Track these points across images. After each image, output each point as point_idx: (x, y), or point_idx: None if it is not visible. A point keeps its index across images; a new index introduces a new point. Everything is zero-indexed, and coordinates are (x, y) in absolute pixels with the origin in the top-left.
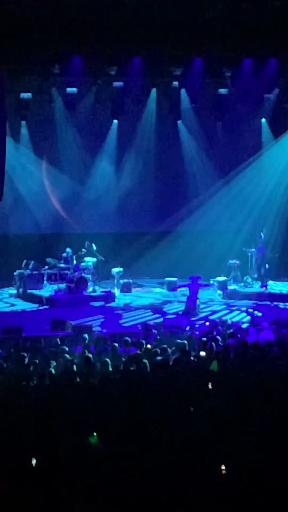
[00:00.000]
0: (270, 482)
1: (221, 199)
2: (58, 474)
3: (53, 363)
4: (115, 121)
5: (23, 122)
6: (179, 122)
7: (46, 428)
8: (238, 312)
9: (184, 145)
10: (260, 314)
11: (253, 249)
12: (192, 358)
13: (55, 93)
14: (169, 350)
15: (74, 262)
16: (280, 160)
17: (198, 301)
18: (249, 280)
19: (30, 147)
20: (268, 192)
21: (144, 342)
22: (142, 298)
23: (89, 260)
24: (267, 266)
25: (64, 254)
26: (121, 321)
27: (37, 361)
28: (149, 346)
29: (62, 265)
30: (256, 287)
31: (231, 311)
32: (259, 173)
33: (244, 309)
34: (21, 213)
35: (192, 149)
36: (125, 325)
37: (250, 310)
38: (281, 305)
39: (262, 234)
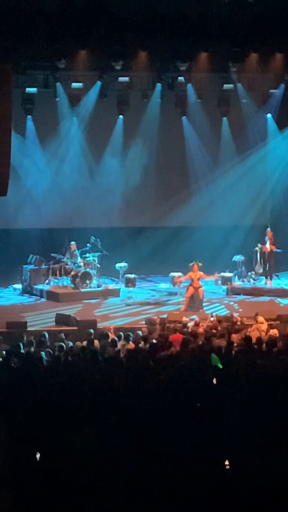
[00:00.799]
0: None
1: (225, 194)
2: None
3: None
4: (121, 116)
5: (29, 117)
6: (183, 118)
7: (51, 424)
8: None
9: (188, 141)
10: None
11: (259, 245)
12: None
13: (61, 88)
14: None
15: (79, 257)
16: (284, 154)
17: None
18: (254, 276)
19: (36, 141)
20: (274, 187)
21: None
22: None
23: (94, 255)
24: (273, 262)
25: (69, 249)
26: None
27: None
28: (154, 340)
29: (67, 260)
30: (261, 283)
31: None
32: (265, 168)
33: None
34: (27, 208)
35: (196, 145)
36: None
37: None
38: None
39: (269, 231)
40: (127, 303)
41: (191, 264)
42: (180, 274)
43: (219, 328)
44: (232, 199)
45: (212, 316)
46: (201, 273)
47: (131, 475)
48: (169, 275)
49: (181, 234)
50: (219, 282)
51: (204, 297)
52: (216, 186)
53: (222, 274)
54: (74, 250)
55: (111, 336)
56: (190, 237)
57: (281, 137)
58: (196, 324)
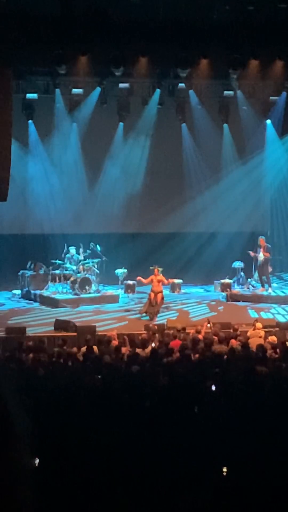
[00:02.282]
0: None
1: (224, 201)
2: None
3: None
4: (121, 123)
5: (30, 121)
6: (183, 125)
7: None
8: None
9: (186, 149)
10: None
11: (251, 253)
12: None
13: (61, 94)
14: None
15: (80, 262)
16: (283, 161)
17: None
18: (253, 282)
19: (36, 147)
20: (274, 193)
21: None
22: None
23: (93, 261)
24: (270, 270)
25: (68, 255)
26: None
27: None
28: (153, 344)
29: (67, 266)
30: (260, 290)
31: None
32: (264, 174)
33: None
34: (26, 214)
35: (196, 152)
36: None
37: None
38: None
39: (262, 238)
40: (126, 309)
41: (151, 267)
42: (181, 280)
43: (219, 334)
44: (232, 205)
45: (209, 323)
46: (161, 276)
47: (130, 480)
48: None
49: (180, 240)
50: (219, 288)
51: (164, 303)
52: (216, 192)
53: (222, 280)
54: (73, 256)
55: (115, 342)
56: (189, 243)
57: (280, 143)
58: (197, 331)
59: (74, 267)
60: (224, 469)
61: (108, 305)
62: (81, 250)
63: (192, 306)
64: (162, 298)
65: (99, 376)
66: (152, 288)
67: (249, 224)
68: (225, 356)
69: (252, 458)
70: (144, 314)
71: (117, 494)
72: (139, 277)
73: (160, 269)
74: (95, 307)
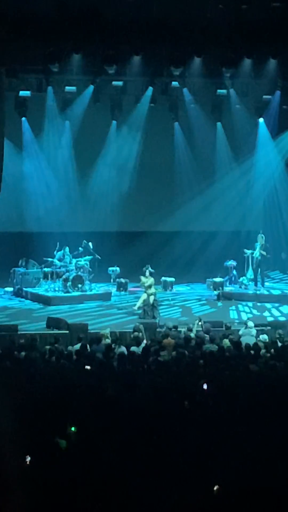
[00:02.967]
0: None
1: (217, 200)
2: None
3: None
4: (114, 122)
5: (24, 119)
6: (175, 124)
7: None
8: None
9: (180, 147)
10: None
11: (251, 251)
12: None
13: (53, 92)
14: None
15: (73, 260)
16: (276, 161)
17: None
18: (246, 281)
19: (30, 145)
20: (266, 192)
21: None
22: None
23: (86, 259)
24: (265, 268)
25: (61, 252)
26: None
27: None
28: (144, 342)
29: (58, 263)
30: (252, 288)
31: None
32: (256, 173)
33: None
34: (19, 211)
35: (188, 151)
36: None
37: None
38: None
39: (261, 236)
40: (119, 307)
41: (144, 268)
42: (173, 279)
43: (210, 333)
44: (224, 204)
45: (200, 321)
46: (152, 279)
47: (122, 479)
48: (161, 279)
49: (172, 239)
50: (211, 287)
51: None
52: (209, 191)
53: (214, 279)
54: (66, 254)
55: (108, 340)
56: (182, 242)
57: (272, 142)
58: (189, 329)
59: (66, 265)
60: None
61: (101, 302)
62: (67, 250)
63: (185, 304)
64: (155, 298)
65: (89, 368)
66: (145, 290)
67: (242, 224)
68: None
69: (245, 456)
70: (137, 309)
71: (109, 493)
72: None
73: (152, 271)
74: (88, 305)
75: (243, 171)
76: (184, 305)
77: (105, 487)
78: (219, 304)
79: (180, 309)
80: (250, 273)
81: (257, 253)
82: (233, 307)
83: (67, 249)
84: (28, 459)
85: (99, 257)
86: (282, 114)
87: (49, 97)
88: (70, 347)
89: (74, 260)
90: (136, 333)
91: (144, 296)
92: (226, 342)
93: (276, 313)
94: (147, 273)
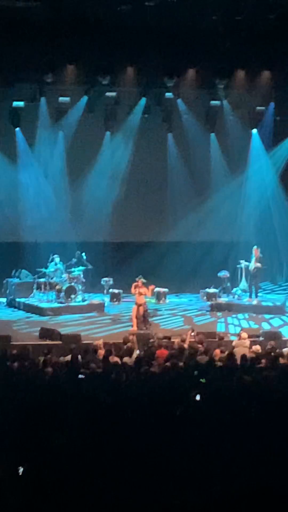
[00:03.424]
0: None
1: (211, 211)
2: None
3: None
4: (108, 132)
5: (17, 129)
6: (169, 134)
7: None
8: None
9: (173, 158)
10: None
11: (246, 262)
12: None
13: (48, 102)
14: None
15: (63, 272)
16: (271, 173)
17: None
18: (239, 292)
19: (24, 154)
20: (261, 203)
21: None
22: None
23: (79, 269)
24: (259, 280)
25: (53, 263)
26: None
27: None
28: (137, 352)
29: (52, 274)
30: (245, 299)
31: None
32: (250, 185)
33: None
34: (12, 221)
35: (182, 162)
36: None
37: None
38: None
39: (257, 248)
40: (114, 319)
41: (137, 278)
42: (166, 289)
43: (203, 343)
44: (218, 215)
45: (193, 331)
46: (145, 289)
47: (115, 487)
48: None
49: (166, 250)
50: (204, 298)
51: (149, 313)
52: (202, 202)
53: (207, 290)
54: (59, 265)
55: (101, 351)
56: (176, 253)
57: (266, 155)
58: (182, 340)
59: (60, 276)
60: None
61: (94, 313)
62: (57, 259)
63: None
64: (146, 309)
65: (83, 376)
66: (135, 301)
67: (236, 235)
68: (210, 366)
69: (239, 467)
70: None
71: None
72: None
73: (144, 281)
74: (80, 316)
75: (237, 182)
76: (178, 315)
77: (100, 496)
78: (212, 314)
79: (173, 319)
80: (243, 284)
81: (251, 265)
82: (226, 318)
83: (57, 258)
84: (21, 470)
85: (93, 268)
86: (277, 125)
87: (42, 107)
88: (62, 358)
89: (63, 269)
90: (129, 344)
91: (135, 307)
92: (218, 352)
93: (269, 323)
94: (140, 283)
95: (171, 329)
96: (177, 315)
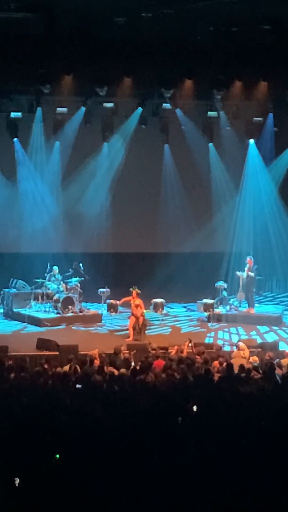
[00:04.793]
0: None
1: (208, 221)
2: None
3: None
4: (105, 143)
5: (16, 140)
6: (165, 146)
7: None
8: None
9: (170, 168)
10: None
11: (242, 272)
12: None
13: (45, 113)
14: None
15: (61, 283)
16: (267, 183)
17: None
18: (236, 303)
19: (22, 165)
20: (257, 215)
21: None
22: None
23: (76, 280)
24: (254, 289)
25: (51, 274)
26: None
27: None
28: (133, 364)
29: (49, 284)
30: (243, 310)
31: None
32: (247, 194)
33: None
34: (9, 232)
35: (179, 172)
36: None
37: None
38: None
39: (250, 258)
40: (110, 329)
41: (131, 289)
42: (162, 300)
43: (201, 354)
44: (215, 225)
45: (190, 342)
46: (140, 301)
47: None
48: (152, 301)
49: (163, 259)
50: (201, 308)
51: (146, 325)
52: (199, 212)
53: (204, 300)
54: (56, 275)
55: (97, 361)
56: (172, 263)
57: (263, 165)
58: (180, 351)
59: (57, 286)
60: None
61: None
62: (55, 268)
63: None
64: (144, 320)
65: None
66: (132, 312)
67: (233, 245)
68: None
69: (236, 479)
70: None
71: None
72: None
73: (138, 292)
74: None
75: (235, 192)
76: (175, 326)
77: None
78: (209, 325)
79: (170, 330)
80: (240, 294)
81: (244, 274)
82: (224, 329)
83: (55, 268)
84: (17, 481)
85: (90, 278)
86: (277, 136)
87: (38, 118)
88: (59, 369)
89: (60, 280)
90: (126, 355)
91: (132, 318)
92: (217, 364)
93: (266, 334)
94: (135, 294)
95: (168, 340)
96: (167, 326)
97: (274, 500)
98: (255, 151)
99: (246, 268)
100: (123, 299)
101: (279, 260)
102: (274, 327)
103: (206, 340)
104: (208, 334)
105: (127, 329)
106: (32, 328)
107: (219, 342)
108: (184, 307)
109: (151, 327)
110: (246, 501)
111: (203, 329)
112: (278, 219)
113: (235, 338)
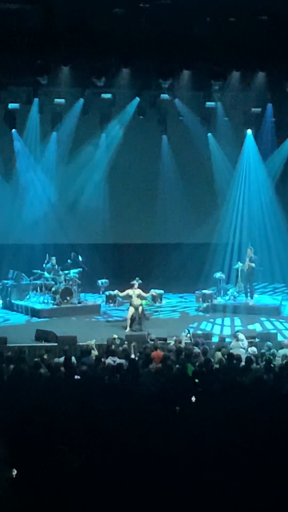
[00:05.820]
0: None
1: (207, 212)
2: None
3: None
4: (103, 134)
5: (14, 130)
6: (164, 136)
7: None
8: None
9: (168, 159)
10: None
11: (241, 263)
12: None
13: (43, 104)
14: None
15: (60, 272)
16: (264, 174)
17: None
18: (235, 293)
19: (21, 156)
20: (255, 205)
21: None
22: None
23: (75, 271)
24: (254, 280)
25: (49, 265)
26: None
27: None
28: (132, 355)
29: (48, 276)
30: (241, 300)
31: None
32: (248, 187)
33: None
34: (7, 222)
35: (177, 162)
36: None
37: None
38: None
39: (250, 249)
40: (108, 320)
41: (134, 282)
42: (162, 291)
43: (199, 345)
44: (214, 216)
45: (188, 333)
46: (140, 290)
47: (112, 491)
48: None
49: (162, 250)
50: (200, 299)
51: (145, 315)
52: (199, 203)
53: (203, 291)
54: (55, 266)
55: (95, 352)
56: (171, 254)
57: (258, 154)
58: (178, 341)
59: (56, 277)
60: None
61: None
62: (54, 260)
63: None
64: (143, 310)
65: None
66: (131, 302)
67: (232, 236)
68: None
69: (234, 469)
70: (128, 330)
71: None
72: (117, 291)
73: (140, 282)
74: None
75: (233, 182)
76: (173, 317)
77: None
78: (208, 316)
79: (168, 321)
80: (239, 285)
81: (245, 265)
82: (222, 319)
83: (54, 259)
84: (14, 472)
85: (88, 269)
86: (277, 126)
87: (35, 109)
88: (56, 359)
89: (62, 273)
90: (125, 346)
91: (131, 309)
92: (218, 354)
93: (264, 325)
94: (136, 285)
95: (167, 330)
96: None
97: (274, 491)
98: (252, 142)
99: (246, 259)
100: (125, 291)
101: (275, 251)
102: (272, 318)
103: (205, 331)
104: (206, 325)
105: (125, 320)
106: (31, 319)
107: (217, 333)
108: (181, 297)
109: (150, 318)
110: (245, 491)
111: (201, 319)
112: (276, 209)
113: (232, 329)
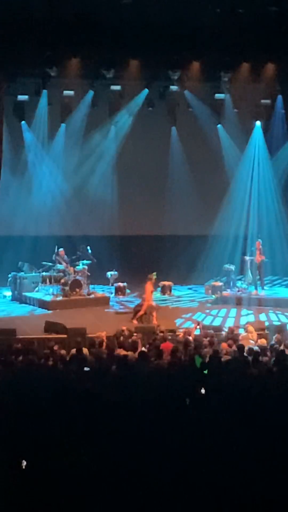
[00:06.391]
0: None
1: (217, 204)
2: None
3: None
4: (113, 127)
5: (23, 122)
6: (173, 128)
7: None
8: None
9: (177, 151)
10: None
11: (251, 256)
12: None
13: (52, 96)
14: None
15: (70, 264)
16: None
17: None
18: (244, 285)
19: (30, 148)
20: (264, 198)
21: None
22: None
23: (84, 263)
24: (264, 272)
25: (58, 256)
26: None
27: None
28: (143, 348)
29: (60, 267)
30: (250, 292)
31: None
32: (257, 180)
33: None
34: (17, 215)
35: (187, 155)
36: None
37: None
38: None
39: (259, 241)
40: (117, 311)
41: (152, 276)
42: (170, 283)
43: (209, 337)
44: (223, 208)
45: (198, 325)
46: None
47: (121, 485)
48: (160, 283)
49: (171, 243)
50: (210, 291)
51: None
52: (208, 195)
53: (212, 283)
54: (63, 257)
55: (104, 344)
56: (180, 246)
57: (265, 148)
58: (188, 333)
59: (66, 269)
60: None
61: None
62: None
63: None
64: (153, 305)
65: (87, 369)
66: (146, 297)
67: (241, 228)
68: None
69: (243, 462)
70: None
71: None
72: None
73: (155, 277)
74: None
75: (243, 175)
76: (182, 308)
77: (103, 493)
78: (217, 307)
79: (178, 313)
80: (248, 277)
81: (256, 258)
82: (232, 311)
83: (61, 249)
84: (24, 463)
85: (97, 261)
86: (280, 118)
87: (44, 101)
88: (65, 351)
89: (67, 261)
90: (134, 337)
91: (146, 303)
92: (226, 346)
93: (274, 317)
94: (154, 279)
95: (176, 322)
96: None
97: (283, 482)
98: (260, 133)
99: (256, 252)
100: (149, 290)
101: (279, 243)
102: (282, 311)
103: (214, 323)
104: (216, 317)
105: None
106: (40, 311)
107: (227, 325)
108: (190, 288)
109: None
110: (253, 482)
111: (211, 311)
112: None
113: (243, 321)
